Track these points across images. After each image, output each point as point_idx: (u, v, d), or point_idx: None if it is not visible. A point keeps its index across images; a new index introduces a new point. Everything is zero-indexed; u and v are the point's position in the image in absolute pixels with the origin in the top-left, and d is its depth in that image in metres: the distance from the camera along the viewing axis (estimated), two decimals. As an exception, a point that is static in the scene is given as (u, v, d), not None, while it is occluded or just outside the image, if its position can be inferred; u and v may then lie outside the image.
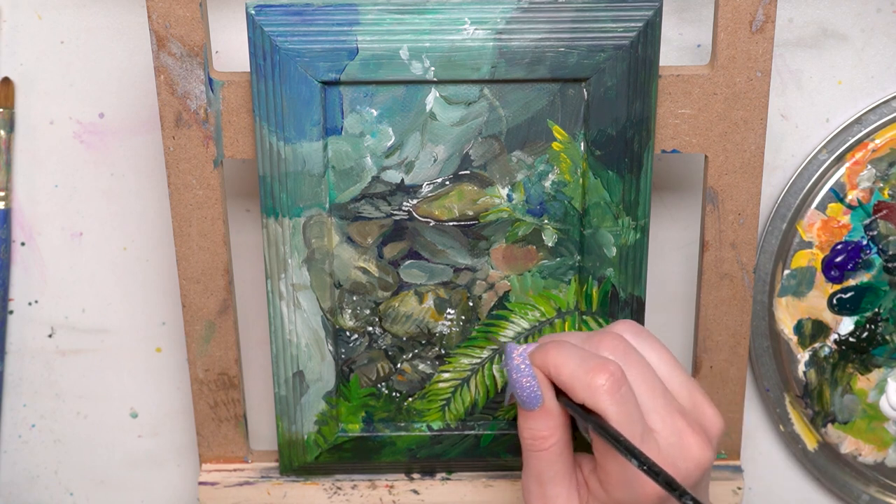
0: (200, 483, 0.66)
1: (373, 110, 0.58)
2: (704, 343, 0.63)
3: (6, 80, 0.65)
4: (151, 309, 0.70)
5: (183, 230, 0.61)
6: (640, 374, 0.52)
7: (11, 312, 0.70)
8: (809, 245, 0.66)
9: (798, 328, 0.68)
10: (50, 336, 0.71)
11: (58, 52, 0.65)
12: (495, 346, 0.63)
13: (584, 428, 0.55)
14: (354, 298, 0.62)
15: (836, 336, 0.68)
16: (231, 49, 0.64)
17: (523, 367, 0.53)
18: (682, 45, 0.64)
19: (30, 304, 0.70)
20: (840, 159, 0.66)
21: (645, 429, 0.50)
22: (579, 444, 0.56)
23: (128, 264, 0.69)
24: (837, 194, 0.66)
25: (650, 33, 0.56)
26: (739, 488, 0.65)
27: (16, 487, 0.74)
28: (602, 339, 0.53)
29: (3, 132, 0.66)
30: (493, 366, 0.63)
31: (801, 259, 0.67)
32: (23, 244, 0.69)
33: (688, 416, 0.52)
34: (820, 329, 0.68)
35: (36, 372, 0.72)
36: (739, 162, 0.59)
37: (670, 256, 0.69)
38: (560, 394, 0.53)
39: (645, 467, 0.47)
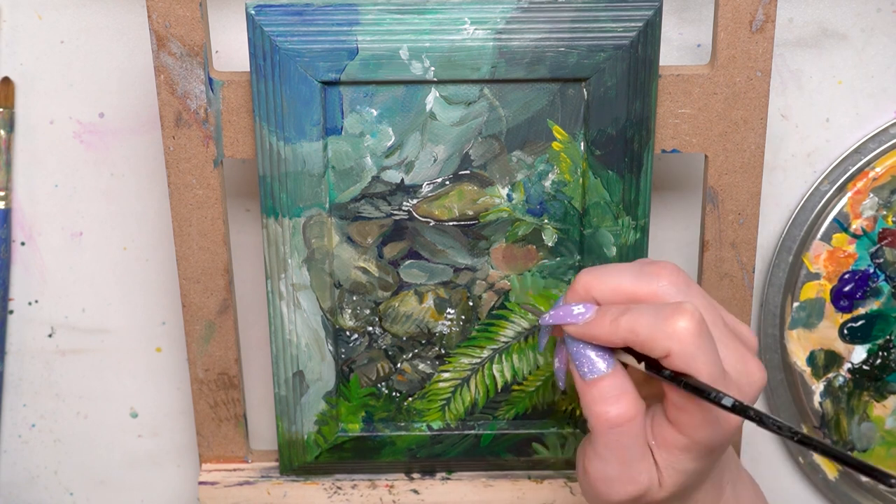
0: (200, 483, 0.66)
1: (373, 110, 0.58)
2: (704, 343, 0.63)
3: (6, 80, 0.65)
4: (151, 309, 0.70)
5: (183, 230, 0.61)
6: (703, 305, 0.50)
7: (11, 312, 0.70)
8: (817, 276, 0.67)
9: (811, 359, 0.68)
10: (50, 336, 0.71)
11: (58, 52, 0.65)
12: (495, 347, 0.63)
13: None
14: (354, 298, 0.62)
15: (849, 365, 0.68)
16: (231, 49, 0.64)
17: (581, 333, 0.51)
18: (682, 45, 0.64)
19: (30, 304, 0.70)
20: (841, 189, 0.66)
21: (722, 364, 0.49)
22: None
23: (128, 264, 0.69)
24: (841, 224, 0.66)
25: (650, 33, 0.56)
26: (739, 488, 0.65)
27: (16, 487, 0.74)
28: (658, 270, 0.50)
29: (3, 132, 0.66)
30: (493, 366, 0.63)
31: (810, 291, 0.67)
32: (23, 244, 0.69)
33: (739, 340, 0.51)
34: (833, 359, 0.68)
35: (36, 372, 0.72)
36: (739, 162, 0.59)
37: (670, 256, 0.69)
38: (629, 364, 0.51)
39: (744, 412, 0.46)
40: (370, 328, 0.62)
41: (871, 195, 0.65)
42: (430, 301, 0.62)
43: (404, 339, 0.63)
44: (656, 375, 0.49)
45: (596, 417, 0.50)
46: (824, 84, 0.65)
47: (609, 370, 0.50)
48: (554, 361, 0.54)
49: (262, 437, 0.73)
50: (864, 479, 0.70)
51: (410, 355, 0.63)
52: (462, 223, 0.60)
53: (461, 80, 0.57)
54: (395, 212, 0.60)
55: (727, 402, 0.46)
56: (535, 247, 0.61)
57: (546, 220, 0.60)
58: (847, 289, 0.67)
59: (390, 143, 0.58)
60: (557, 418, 0.64)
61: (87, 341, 0.71)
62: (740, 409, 0.46)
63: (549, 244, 0.61)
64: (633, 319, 0.49)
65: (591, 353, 0.51)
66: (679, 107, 0.59)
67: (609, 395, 0.50)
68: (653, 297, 0.50)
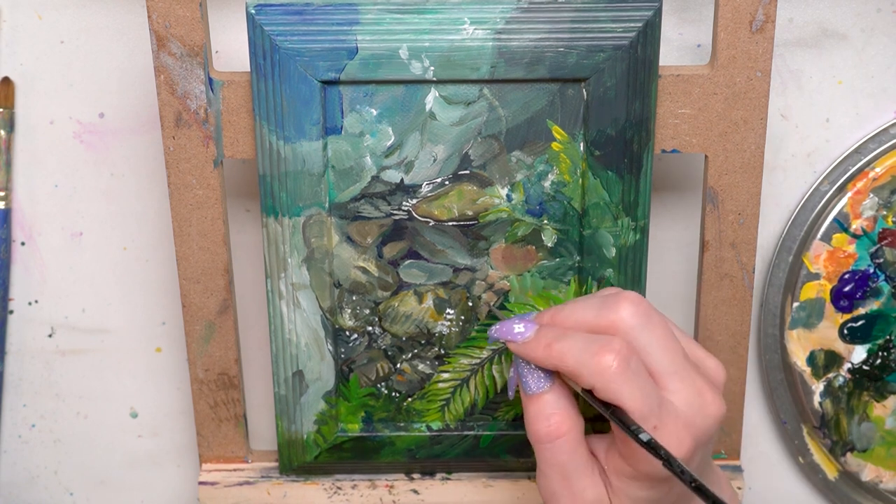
0: (200, 483, 0.66)
1: (372, 110, 0.58)
2: (704, 343, 0.63)
3: (6, 80, 0.65)
4: (151, 309, 0.71)
5: (183, 230, 0.61)
6: (662, 336, 0.51)
7: (11, 312, 0.70)
8: (817, 276, 0.67)
9: (811, 360, 0.68)
10: (50, 336, 0.71)
11: (58, 52, 0.65)
12: (494, 347, 0.63)
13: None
14: (354, 298, 0.62)
15: (849, 365, 0.68)
16: (231, 49, 0.64)
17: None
18: (682, 45, 0.64)
19: (30, 304, 0.70)
20: (841, 189, 0.66)
21: (660, 398, 0.50)
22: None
23: (128, 264, 0.70)
24: (841, 224, 0.66)
25: (650, 33, 0.56)
26: (739, 488, 0.65)
27: (16, 487, 0.74)
28: (619, 302, 0.51)
29: (3, 132, 0.66)
30: (493, 366, 0.63)
31: (810, 291, 0.67)
32: (23, 244, 0.69)
33: (701, 372, 0.51)
34: (833, 359, 0.68)
35: (36, 372, 0.72)
36: (739, 162, 0.59)
37: (670, 256, 0.69)
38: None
39: (655, 450, 0.47)
40: (370, 328, 0.62)
41: (871, 195, 0.65)
42: (429, 301, 0.62)
43: (404, 339, 0.63)
44: (590, 399, 0.50)
45: (531, 433, 0.53)
46: (824, 84, 0.65)
47: (548, 387, 0.52)
48: (510, 370, 0.56)
49: (262, 437, 0.73)
50: (863, 479, 0.70)
51: (410, 355, 0.63)
52: (461, 223, 0.60)
53: (460, 80, 0.57)
54: (395, 212, 0.60)
55: (644, 437, 0.48)
56: (534, 247, 0.61)
57: (545, 221, 0.60)
58: (847, 289, 0.67)
59: (390, 142, 0.58)
60: (557, 418, 0.64)
61: (87, 341, 0.71)
62: (652, 447, 0.48)
63: (549, 245, 0.61)
64: (564, 348, 0.50)
65: (533, 370, 0.53)
66: (679, 107, 0.59)
67: (545, 411, 0.52)
68: (613, 328, 0.51)
